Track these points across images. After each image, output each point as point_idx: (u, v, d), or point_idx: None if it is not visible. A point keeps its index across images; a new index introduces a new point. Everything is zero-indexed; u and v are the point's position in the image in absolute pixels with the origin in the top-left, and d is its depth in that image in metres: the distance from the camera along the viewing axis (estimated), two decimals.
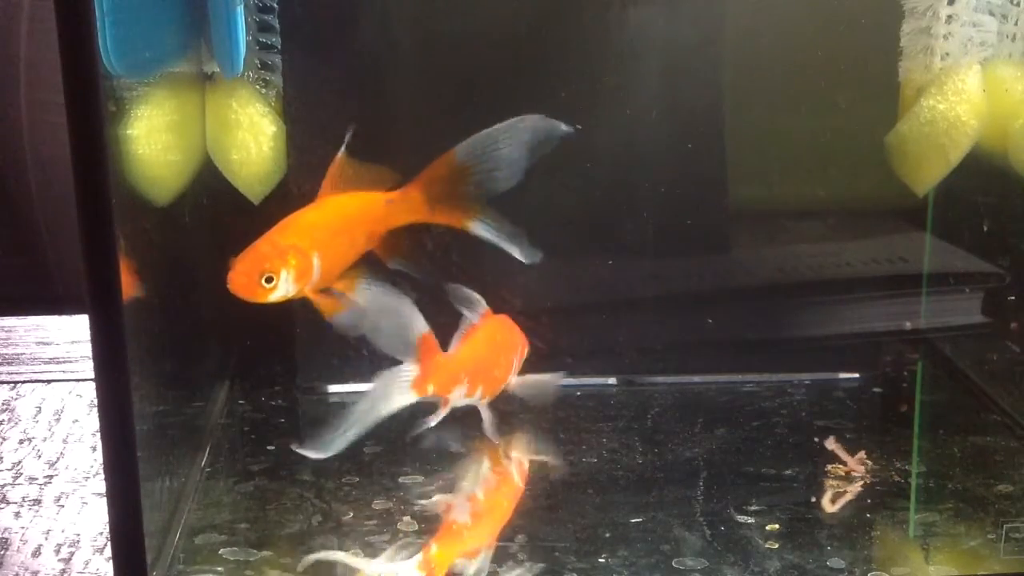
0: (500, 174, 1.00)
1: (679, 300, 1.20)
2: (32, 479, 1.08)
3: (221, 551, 0.91)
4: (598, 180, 1.15)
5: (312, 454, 0.93)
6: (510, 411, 1.14)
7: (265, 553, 0.91)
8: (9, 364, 1.33)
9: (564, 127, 1.00)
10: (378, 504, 0.97)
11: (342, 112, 1.14)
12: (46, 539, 0.98)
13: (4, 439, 1.16)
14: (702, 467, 1.04)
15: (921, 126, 1.12)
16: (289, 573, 0.90)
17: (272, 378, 1.19)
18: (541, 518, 0.97)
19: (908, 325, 1.23)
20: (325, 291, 0.98)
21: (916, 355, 1.25)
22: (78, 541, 0.98)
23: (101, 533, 0.99)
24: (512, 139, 1.00)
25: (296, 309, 1.15)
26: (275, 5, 1.10)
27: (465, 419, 1.13)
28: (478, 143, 1.00)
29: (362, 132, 1.14)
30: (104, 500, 0.79)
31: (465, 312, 0.98)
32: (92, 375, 0.77)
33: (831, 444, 1.06)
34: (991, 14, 1.11)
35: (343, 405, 1.16)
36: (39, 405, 1.23)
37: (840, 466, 1.03)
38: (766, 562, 0.89)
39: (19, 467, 1.10)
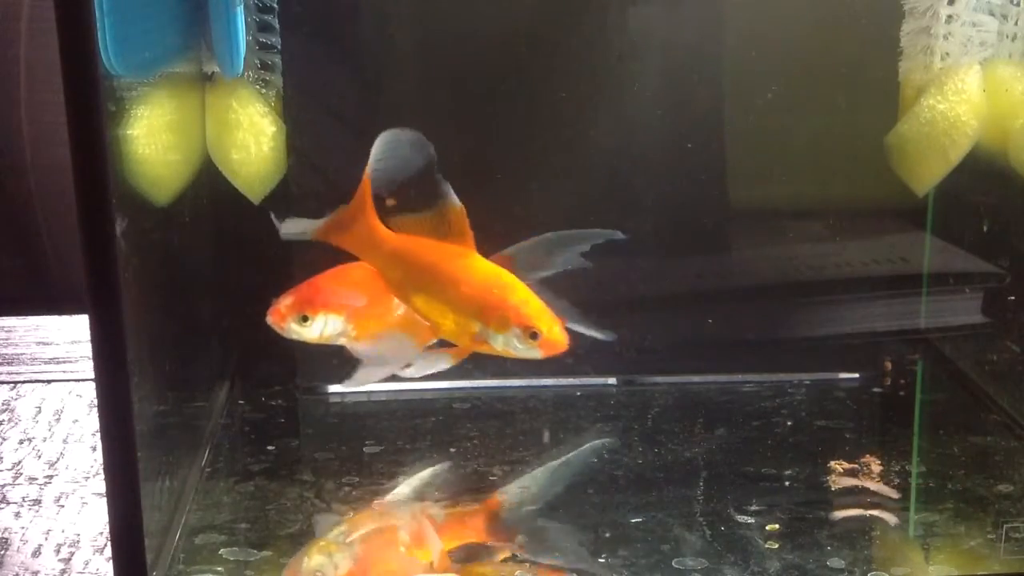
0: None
1: (679, 300, 1.20)
2: (32, 479, 1.08)
3: (221, 551, 0.91)
4: (598, 180, 1.15)
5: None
6: (509, 411, 1.14)
7: (265, 553, 0.91)
8: (9, 364, 1.33)
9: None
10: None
11: (342, 112, 1.14)
12: (46, 539, 0.98)
13: (4, 439, 1.16)
14: (702, 467, 1.04)
15: (921, 126, 1.12)
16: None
17: (272, 378, 1.19)
18: (541, 518, 0.97)
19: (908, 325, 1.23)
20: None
21: (916, 355, 1.25)
22: (78, 541, 0.98)
23: (101, 533, 0.99)
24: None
25: None
26: (275, 5, 1.10)
27: (463, 420, 1.13)
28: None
29: (362, 132, 1.14)
30: (104, 500, 0.79)
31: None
32: (92, 375, 0.77)
33: None
34: (991, 14, 1.11)
35: (343, 405, 1.18)
36: (39, 405, 1.23)
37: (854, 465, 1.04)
38: (766, 562, 0.89)
39: (19, 467, 1.10)
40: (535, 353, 0.93)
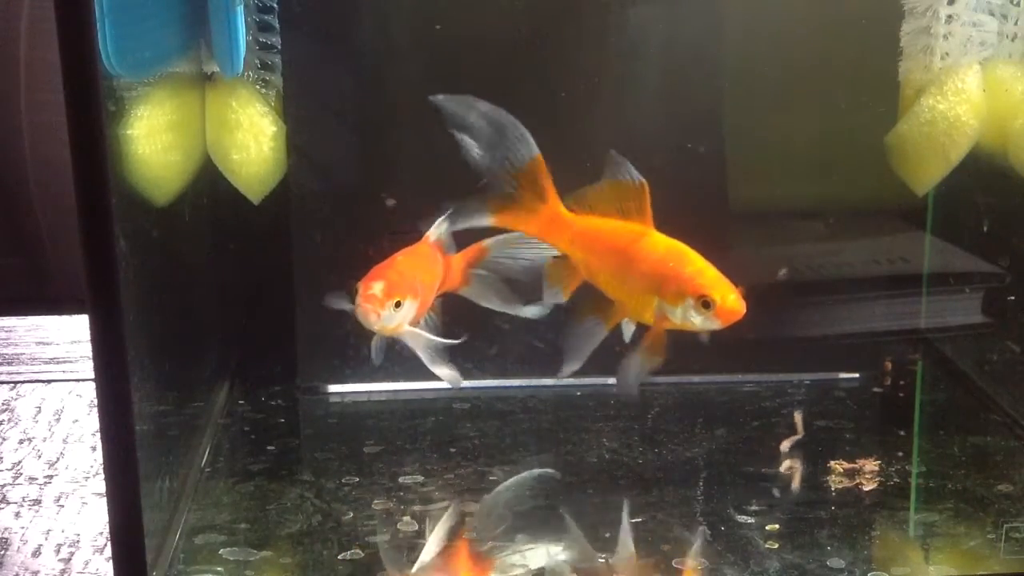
0: None
1: None
2: (32, 479, 1.08)
3: (221, 551, 0.91)
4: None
5: None
6: (509, 411, 1.14)
7: (265, 553, 0.91)
8: (9, 364, 1.33)
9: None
10: (378, 504, 0.97)
11: (342, 112, 1.14)
12: (46, 539, 0.98)
13: (4, 439, 1.16)
14: (702, 467, 1.04)
15: (921, 126, 1.12)
16: (289, 573, 0.90)
17: (272, 378, 1.19)
18: (541, 518, 0.97)
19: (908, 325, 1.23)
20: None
21: (916, 355, 1.25)
22: (78, 541, 0.98)
23: (101, 533, 0.99)
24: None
25: (296, 309, 1.15)
26: (275, 5, 1.10)
27: (463, 420, 1.13)
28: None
29: (362, 133, 1.15)
30: (104, 500, 0.79)
31: None
32: (92, 375, 0.77)
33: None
34: (991, 14, 1.11)
35: (343, 405, 1.18)
36: (39, 405, 1.23)
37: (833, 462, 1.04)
38: (766, 562, 0.89)
39: (19, 467, 1.10)
40: (714, 324, 0.92)
